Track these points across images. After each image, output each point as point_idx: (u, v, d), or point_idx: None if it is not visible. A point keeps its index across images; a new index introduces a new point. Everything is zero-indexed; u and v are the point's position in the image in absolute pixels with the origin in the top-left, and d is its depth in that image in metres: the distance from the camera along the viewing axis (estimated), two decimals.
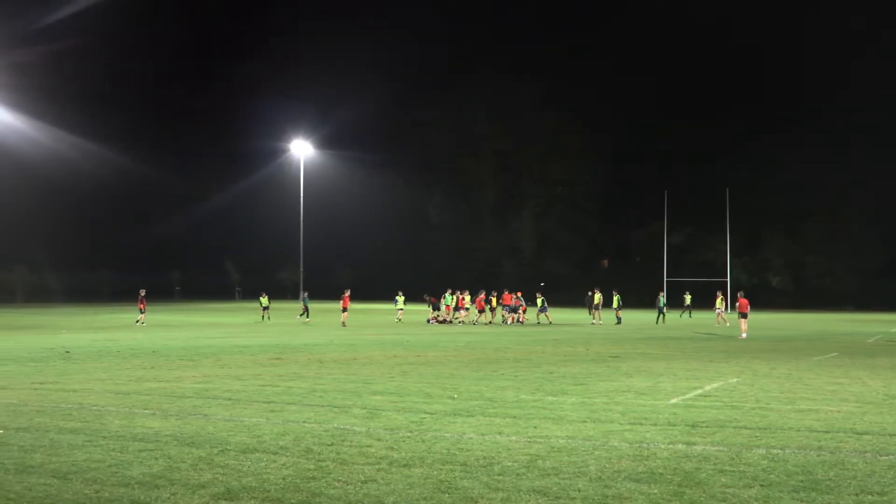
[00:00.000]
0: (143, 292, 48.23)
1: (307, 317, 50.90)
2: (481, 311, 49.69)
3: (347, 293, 46.52)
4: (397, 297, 51.78)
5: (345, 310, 45.72)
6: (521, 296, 50.27)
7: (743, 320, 38.12)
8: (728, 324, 48.28)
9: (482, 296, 50.11)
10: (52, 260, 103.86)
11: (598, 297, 50.80)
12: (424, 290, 53.88)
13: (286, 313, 54.33)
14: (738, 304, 39.39)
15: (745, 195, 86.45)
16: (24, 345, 30.11)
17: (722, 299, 51.01)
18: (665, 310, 51.65)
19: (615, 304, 50.89)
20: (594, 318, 50.38)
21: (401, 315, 51.17)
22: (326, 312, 59.78)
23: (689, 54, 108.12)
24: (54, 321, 48.48)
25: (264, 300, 53.79)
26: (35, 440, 11.70)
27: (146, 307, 48.53)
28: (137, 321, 46.71)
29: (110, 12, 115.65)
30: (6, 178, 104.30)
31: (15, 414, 13.90)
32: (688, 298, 65.06)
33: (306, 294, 52.51)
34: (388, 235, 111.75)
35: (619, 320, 49.93)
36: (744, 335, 37.03)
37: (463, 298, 50.43)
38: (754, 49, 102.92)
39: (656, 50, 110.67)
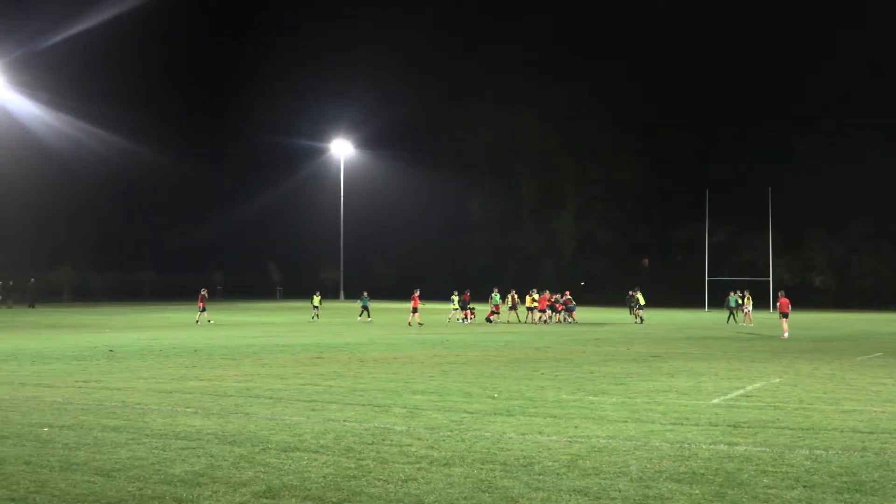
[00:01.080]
0: (204, 291, 48.29)
1: (368, 317, 50.61)
2: (542, 309, 49.48)
3: (417, 293, 46.36)
4: (453, 297, 51.81)
5: (415, 310, 45.46)
6: (555, 297, 50.07)
7: (784, 320, 37.86)
8: (752, 324, 47.84)
9: (546, 295, 49.94)
10: (96, 260, 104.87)
11: (639, 296, 50.76)
12: (464, 289, 53.73)
13: (330, 313, 54.43)
14: (778, 303, 39.14)
15: (788, 193, 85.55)
16: (68, 344, 30.41)
17: (749, 298, 50.58)
18: (735, 310, 50.95)
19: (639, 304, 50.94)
20: (636, 318, 50.17)
21: (454, 315, 51.10)
22: (372, 312, 59.85)
23: (731, 52, 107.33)
24: (98, 320, 48.94)
25: (316, 299, 53.97)
26: (79, 438, 11.82)
27: (206, 306, 48.11)
28: (202, 320, 46.48)
29: (153, 9, 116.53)
30: (50, 178, 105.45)
31: (60, 412, 14.05)
32: (733, 299, 64.35)
33: (366, 294, 52.20)
34: (427, 235, 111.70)
35: (641, 320, 49.68)
36: (786, 335, 36.70)
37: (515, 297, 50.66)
38: (798, 46, 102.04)
39: (698, 48, 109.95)
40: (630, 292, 52.74)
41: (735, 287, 55.58)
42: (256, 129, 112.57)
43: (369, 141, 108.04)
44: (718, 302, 66.31)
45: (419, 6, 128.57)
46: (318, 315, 52.32)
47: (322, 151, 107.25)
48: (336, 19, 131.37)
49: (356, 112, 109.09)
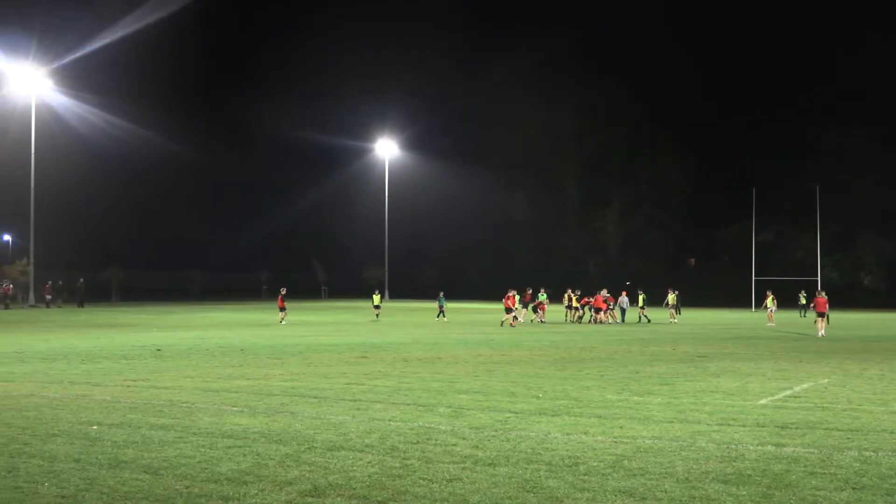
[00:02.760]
0: (283, 291, 48.06)
1: (444, 317, 50.43)
2: (598, 309, 49.25)
3: (512, 293, 46.09)
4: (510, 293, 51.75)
5: (508, 310, 45.35)
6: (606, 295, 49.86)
7: (820, 319, 37.72)
8: (774, 324, 47.37)
9: (604, 293, 49.75)
10: (144, 260, 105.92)
11: (671, 297, 50.58)
12: (507, 289, 53.64)
13: (372, 312, 54.52)
14: (814, 302, 38.91)
15: (837, 192, 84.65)
16: (117, 343, 30.73)
17: (773, 298, 50.09)
18: (804, 308, 50.08)
19: (640, 303, 50.90)
20: (672, 318, 49.95)
21: (523, 315, 51.04)
22: (411, 312, 60.08)
23: (778, 51, 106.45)
24: (146, 320, 49.41)
25: (377, 298, 54.14)
26: (127, 436, 11.94)
27: (286, 305, 47.82)
28: (281, 321, 46.29)
29: (196, 10, 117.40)
30: (98, 179, 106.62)
31: (108, 410, 14.20)
32: (802, 297, 63.64)
33: (442, 294, 52.02)
34: (471, 235, 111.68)
35: (647, 320, 49.35)
36: (820, 333, 36.80)
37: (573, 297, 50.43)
38: (848, 42, 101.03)
39: (744, 47, 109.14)
40: (673, 291, 52.38)
41: (801, 287, 54.67)
42: (301, 129, 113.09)
43: (413, 140, 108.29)
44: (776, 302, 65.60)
45: (462, 6, 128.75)
46: (378, 315, 52.29)
47: (366, 151, 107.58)
48: (379, 20, 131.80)
49: (400, 112, 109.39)
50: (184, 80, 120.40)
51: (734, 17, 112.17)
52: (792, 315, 54.59)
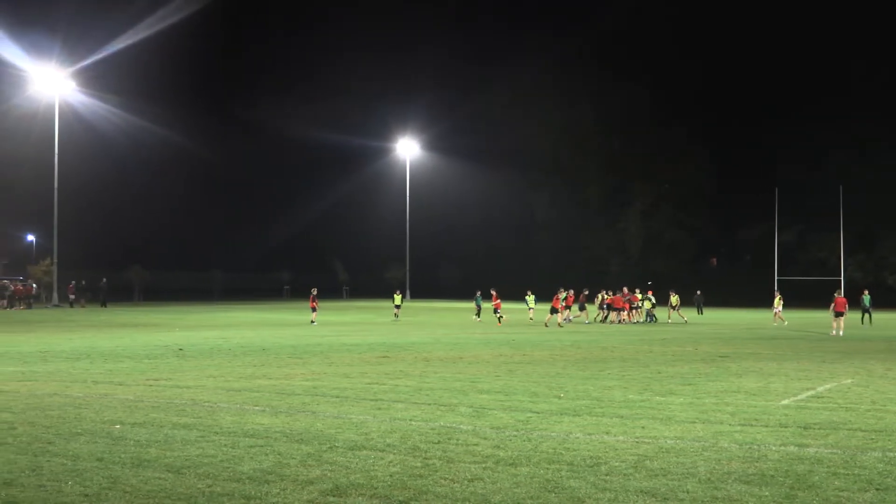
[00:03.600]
0: (314, 291, 47.69)
1: (478, 316, 50.36)
2: (625, 309, 49.21)
3: (563, 293, 45.84)
4: (528, 297, 51.77)
5: (554, 310, 44.84)
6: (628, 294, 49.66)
7: (839, 319, 37.98)
8: (786, 322, 47.15)
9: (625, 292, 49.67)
10: (166, 260, 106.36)
11: (674, 298, 50.44)
12: (529, 288, 53.56)
13: (393, 312, 54.59)
14: (833, 302, 38.97)
15: (860, 191, 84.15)
16: (139, 342, 30.87)
17: (780, 298, 49.88)
18: (871, 310, 49.28)
19: (673, 303, 51.02)
20: (669, 318, 49.79)
21: (532, 314, 51.01)
22: (432, 311, 60.10)
23: (801, 49, 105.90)
24: (168, 319, 49.61)
25: (398, 298, 54.22)
26: (150, 435, 11.99)
27: (318, 305, 47.60)
28: (316, 320, 46.09)
29: (216, 9, 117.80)
30: (121, 180, 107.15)
31: (131, 410, 14.27)
32: (866, 299, 62.96)
33: (479, 294, 51.98)
34: (493, 235, 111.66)
35: (653, 318, 49.31)
36: (836, 332, 37.25)
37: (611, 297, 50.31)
38: (869, 41, 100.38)
39: (765, 45, 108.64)
40: (698, 291, 52.24)
41: (866, 287, 53.87)
42: (322, 130, 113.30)
43: (434, 140, 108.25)
44: (793, 302, 65.20)
45: (483, 6, 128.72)
46: (397, 315, 52.37)
47: (388, 151, 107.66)
48: (401, 20, 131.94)
49: (421, 112, 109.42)
50: (204, 81, 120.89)
51: (757, 15, 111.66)
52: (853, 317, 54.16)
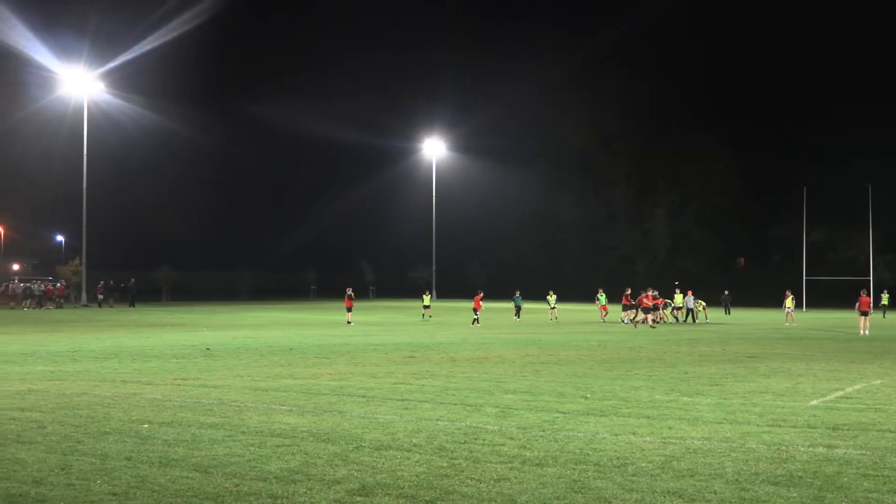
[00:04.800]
0: (350, 291, 47.58)
1: (517, 316, 50.26)
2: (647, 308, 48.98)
3: (604, 295, 45.61)
4: (549, 297, 51.70)
5: (647, 310, 44.56)
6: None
7: (865, 318, 38.19)
8: (796, 323, 46.87)
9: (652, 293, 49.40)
10: (194, 260, 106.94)
11: (679, 298, 50.12)
12: (552, 288, 53.45)
13: (419, 312, 54.55)
14: (859, 301, 39.12)
15: (889, 191, 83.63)
16: (167, 342, 31.01)
17: (792, 298, 49.60)
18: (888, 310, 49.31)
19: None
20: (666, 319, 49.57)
21: (554, 314, 50.93)
22: (459, 311, 60.03)
23: (828, 49, 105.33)
24: (196, 319, 49.83)
25: (427, 298, 54.27)
26: (178, 434, 12.05)
27: (353, 305, 47.41)
28: (349, 322, 45.64)
29: (241, 10, 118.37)
30: (149, 181, 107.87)
31: (159, 409, 14.34)
32: (885, 298, 62.64)
33: (518, 294, 51.78)
34: (519, 234, 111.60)
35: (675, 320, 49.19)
36: (863, 332, 37.29)
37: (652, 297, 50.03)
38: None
39: (791, 43, 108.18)
40: (726, 292, 51.91)
41: (860, 286, 53.56)
42: (348, 130, 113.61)
43: (460, 140, 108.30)
44: (822, 302, 64.86)
45: (511, 5, 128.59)
46: (430, 314, 52.32)
47: (414, 151, 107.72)
48: (425, 20, 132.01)
49: (447, 112, 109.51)
50: (231, 81, 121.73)
51: (783, 15, 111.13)
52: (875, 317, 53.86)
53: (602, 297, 50.94)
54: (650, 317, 47.56)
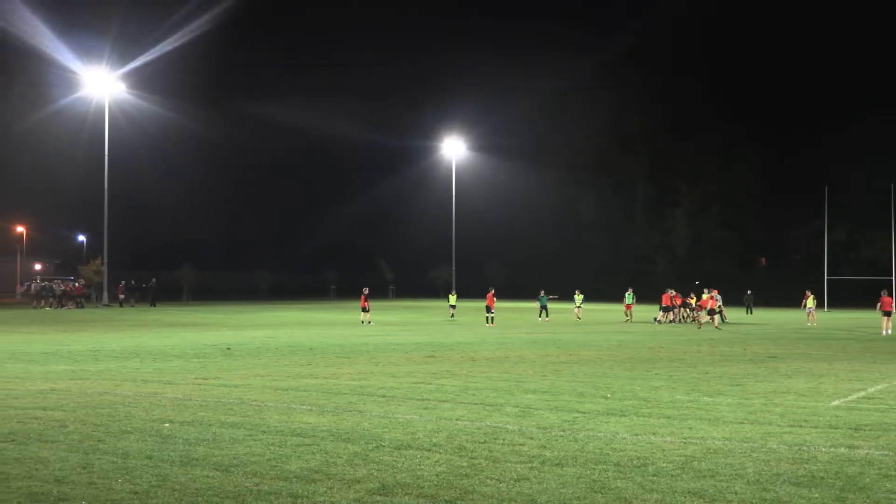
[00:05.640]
0: (366, 291, 47.18)
1: (546, 316, 50.17)
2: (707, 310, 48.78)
3: (710, 294, 45.41)
4: (576, 296, 51.66)
5: (712, 311, 44.15)
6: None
7: (886, 318, 38.06)
8: (817, 323, 46.59)
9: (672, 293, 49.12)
10: (214, 260, 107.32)
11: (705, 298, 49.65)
12: (574, 288, 53.35)
13: (443, 312, 54.63)
14: (880, 301, 39.08)
15: None
16: (188, 341, 31.11)
17: (813, 298, 49.28)
18: None
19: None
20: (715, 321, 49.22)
21: (579, 312, 50.85)
22: (479, 311, 59.95)
23: (850, 47, 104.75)
24: (216, 319, 49.97)
25: (452, 298, 54.18)
26: (199, 434, 12.09)
27: (369, 305, 46.96)
28: (365, 321, 45.40)
29: (260, 9, 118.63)
30: (171, 179, 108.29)
31: (180, 408, 14.39)
32: None
33: (543, 293, 51.60)
34: (539, 234, 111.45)
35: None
36: (885, 332, 37.23)
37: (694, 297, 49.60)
38: None
39: (815, 44, 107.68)
40: (748, 292, 51.64)
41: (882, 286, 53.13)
42: (367, 130, 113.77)
43: (480, 140, 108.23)
44: (844, 302, 64.47)
45: (531, 5, 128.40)
46: (453, 314, 52.29)
47: (433, 151, 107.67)
48: (445, 21, 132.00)
49: (467, 111, 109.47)
50: (250, 82, 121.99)
51: (804, 14, 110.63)
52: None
53: (630, 296, 50.74)
54: (673, 315, 47.36)
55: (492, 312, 45.72)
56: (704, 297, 47.44)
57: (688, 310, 48.94)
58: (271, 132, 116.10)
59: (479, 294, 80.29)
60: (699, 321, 44.28)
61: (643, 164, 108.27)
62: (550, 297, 51.37)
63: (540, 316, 49.80)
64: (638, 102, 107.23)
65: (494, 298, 46.94)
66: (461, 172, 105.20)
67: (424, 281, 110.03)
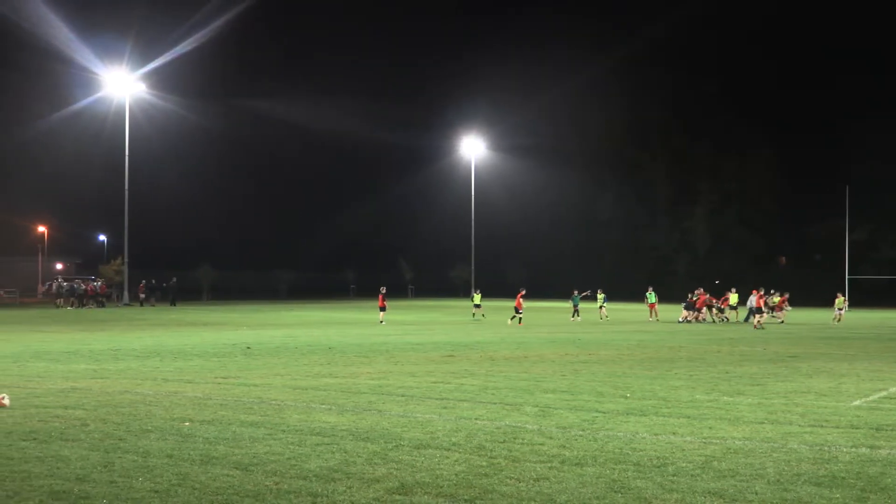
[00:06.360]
0: (383, 290, 47.18)
1: (578, 316, 49.86)
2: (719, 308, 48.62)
3: (761, 292, 45.36)
4: (598, 295, 51.57)
5: (759, 310, 43.79)
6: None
7: None
8: (840, 323, 46.47)
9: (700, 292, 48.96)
10: (234, 260, 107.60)
11: (734, 297, 49.28)
12: (593, 287, 53.23)
13: (462, 311, 54.67)
14: None
15: None
16: (208, 341, 31.20)
17: (844, 299, 49.11)
18: None
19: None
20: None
21: (603, 312, 50.78)
22: (498, 311, 59.94)
23: (871, 46, 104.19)
24: (236, 318, 50.12)
25: (477, 297, 54.11)
26: (219, 433, 12.13)
27: (386, 305, 47.02)
28: (381, 321, 45.30)
29: (285, 10, 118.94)
30: (191, 179, 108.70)
31: (200, 407, 14.44)
32: None
33: (576, 293, 51.37)
34: (558, 234, 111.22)
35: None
36: None
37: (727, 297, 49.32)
38: None
39: (834, 42, 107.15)
40: (772, 290, 51.28)
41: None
42: (386, 129, 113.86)
43: (499, 139, 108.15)
44: (865, 301, 64.15)
45: (548, 4, 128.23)
46: (482, 313, 52.06)
47: (452, 150, 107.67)
48: (463, 20, 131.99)
49: (486, 110, 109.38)
50: (269, 82, 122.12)
51: (825, 13, 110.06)
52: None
53: (651, 295, 50.61)
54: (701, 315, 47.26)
55: (520, 313, 45.48)
56: (733, 296, 47.43)
57: (714, 309, 48.86)
58: (290, 131, 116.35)
59: (497, 294, 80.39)
60: (759, 321, 43.75)
61: (662, 163, 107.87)
62: (583, 294, 51.14)
63: (573, 316, 49.40)
64: (657, 101, 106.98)
65: (522, 299, 46.76)
66: (480, 172, 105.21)
67: (443, 280, 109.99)
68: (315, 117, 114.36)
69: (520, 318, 44.98)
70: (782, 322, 46.26)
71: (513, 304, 46.12)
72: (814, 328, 42.85)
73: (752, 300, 46.27)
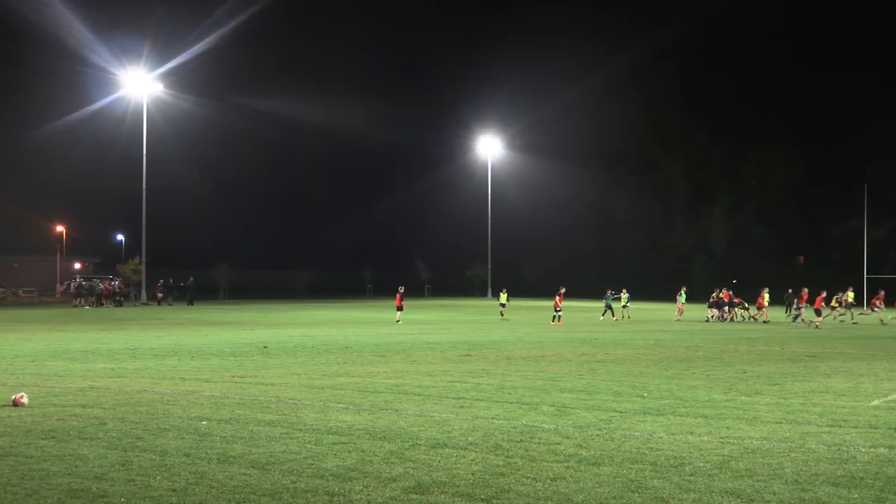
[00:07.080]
0: (401, 289, 46.81)
1: (613, 315, 49.54)
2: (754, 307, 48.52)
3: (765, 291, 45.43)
4: (621, 294, 51.46)
5: (818, 312, 44.08)
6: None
7: None
8: (853, 321, 46.35)
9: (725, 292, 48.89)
10: (251, 259, 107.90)
11: (766, 296, 49.02)
12: (611, 287, 53.09)
13: (478, 311, 54.65)
14: None
15: None
16: (225, 340, 31.29)
17: (882, 299, 48.95)
18: None
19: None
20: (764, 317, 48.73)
21: (626, 311, 50.70)
22: (514, 310, 59.94)
23: (889, 45, 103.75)
24: (253, 317, 50.22)
25: (503, 297, 54.08)
26: (236, 431, 12.16)
27: (403, 305, 46.81)
28: (398, 321, 45.19)
29: (301, 10, 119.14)
30: (209, 179, 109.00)
31: (217, 406, 14.48)
32: None
33: (611, 292, 51.16)
34: (575, 232, 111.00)
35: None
36: None
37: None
38: None
39: (852, 40, 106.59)
40: (790, 290, 51.16)
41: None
42: (404, 128, 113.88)
43: (515, 137, 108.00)
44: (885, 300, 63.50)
45: (567, 4, 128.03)
46: (501, 313, 52.12)
47: (469, 149, 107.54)
48: (481, 20, 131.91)
49: (502, 109, 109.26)
50: (284, 82, 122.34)
51: (843, 11, 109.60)
52: None
53: (683, 296, 50.51)
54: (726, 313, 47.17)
55: (559, 311, 45.51)
56: (765, 296, 47.26)
57: (741, 309, 48.73)
58: (308, 131, 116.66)
59: (515, 293, 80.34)
60: (815, 323, 43.49)
61: (680, 162, 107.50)
62: (614, 294, 51.04)
63: (603, 315, 49.15)
64: (674, 100, 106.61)
65: (560, 298, 46.66)
66: (497, 171, 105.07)
67: (460, 280, 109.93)
68: (332, 117, 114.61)
69: (559, 317, 45.06)
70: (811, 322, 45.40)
71: (532, 303, 46.08)
72: (826, 327, 42.59)
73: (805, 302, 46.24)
